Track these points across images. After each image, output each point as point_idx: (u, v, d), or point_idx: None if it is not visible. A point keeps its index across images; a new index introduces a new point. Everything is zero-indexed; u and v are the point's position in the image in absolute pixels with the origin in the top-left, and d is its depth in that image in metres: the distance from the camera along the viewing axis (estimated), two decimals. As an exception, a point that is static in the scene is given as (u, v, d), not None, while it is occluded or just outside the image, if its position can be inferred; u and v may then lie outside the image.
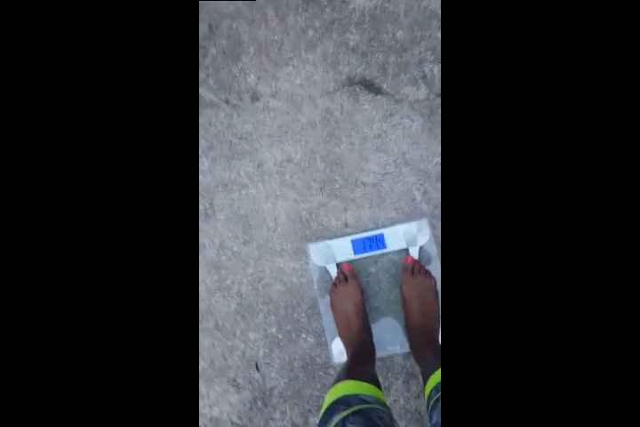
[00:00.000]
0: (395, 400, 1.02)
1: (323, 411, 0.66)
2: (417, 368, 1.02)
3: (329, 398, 0.68)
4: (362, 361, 0.87)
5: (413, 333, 0.94)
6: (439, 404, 0.62)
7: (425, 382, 0.74)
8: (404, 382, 1.02)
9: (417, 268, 0.97)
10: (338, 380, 0.75)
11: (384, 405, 0.67)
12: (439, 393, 0.63)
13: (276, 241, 1.06)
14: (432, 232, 1.01)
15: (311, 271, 1.05)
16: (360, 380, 0.72)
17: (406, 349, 1.01)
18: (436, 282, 0.97)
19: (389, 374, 1.03)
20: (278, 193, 1.06)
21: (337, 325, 0.99)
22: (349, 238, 1.03)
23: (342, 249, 1.03)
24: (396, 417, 1.03)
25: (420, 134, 1.02)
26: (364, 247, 1.02)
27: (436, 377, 0.69)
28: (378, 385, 0.76)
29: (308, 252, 1.04)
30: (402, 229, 1.01)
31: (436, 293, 0.96)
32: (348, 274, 0.99)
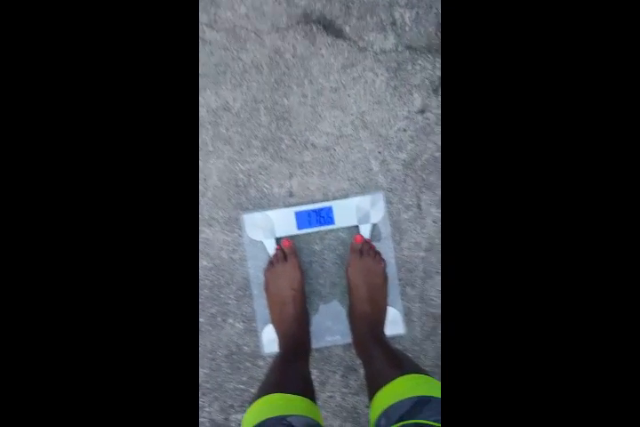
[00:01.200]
0: (330, 396, 0.88)
1: None
2: (358, 362, 0.88)
3: (249, 420, 0.52)
4: (294, 358, 0.71)
5: (357, 323, 0.80)
6: None
7: (370, 393, 0.60)
8: (342, 377, 0.88)
9: (366, 249, 0.82)
10: (263, 389, 0.59)
11: None
12: (390, 423, 0.49)
13: (204, 207, 0.86)
14: (387, 209, 0.86)
15: (245, 246, 0.86)
16: (290, 391, 0.56)
17: (347, 339, 0.87)
18: (386, 266, 0.83)
19: (326, 367, 0.89)
20: (210, 148, 0.85)
21: (270, 310, 0.83)
22: (293, 210, 0.85)
23: (283, 222, 0.85)
24: (330, 415, 0.90)
25: (384, 93, 0.85)
26: (310, 222, 0.86)
27: (384, 396, 0.55)
28: (311, 393, 0.61)
29: (242, 223, 0.86)
30: (354, 202, 0.85)
31: (385, 278, 0.82)
32: (288, 252, 0.82)
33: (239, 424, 0.89)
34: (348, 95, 0.85)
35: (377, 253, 0.83)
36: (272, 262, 0.83)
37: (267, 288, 0.83)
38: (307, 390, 0.61)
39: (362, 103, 0.85)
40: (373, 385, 0.59)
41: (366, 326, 0.77)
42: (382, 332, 0.78)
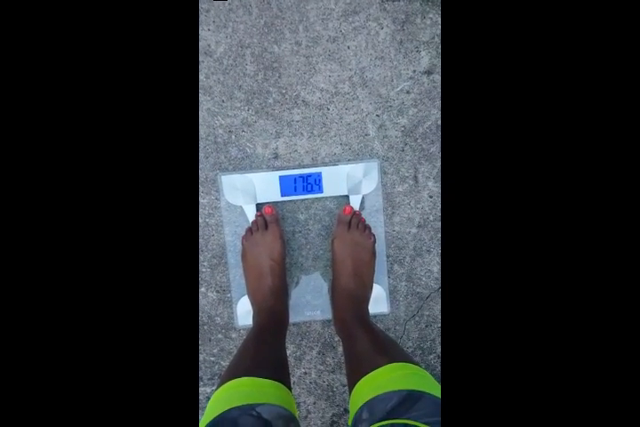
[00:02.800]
0: (305, 373, 0.82)
1: None
2: (336, 339, 0.81)
3: (213, 408, 0.44)
4: (270, 335, 0.64)
5: (339, 298, 0.72)
6: None
7: (351, 378, 0.53)
8: (318, 354, 0.82)
9: (355, 221, 0.74)
10: (232, 371, 0.52)
11: (290, 419, 0.44)
12: (373, 419, 0.41)
13: (178, 167, 0.76)
14: (381, 179, 0.77)
15: (222, 211, 0.77)
16: (262, 375, 0.49)
17: (327, 315, 0.80)
18: (375, 241, 0.74)
19: (303, 343, 0.82)
20: (187, 100, 0.74)
21: (246, 281, 0.75)
22: (277, 174, 0.75)
23: (267, 187, 0.75)
24: (304, 392, 0.83)
25: (388, 47, 0.73)
26: (295, 188, 0.76)
27: (367, 385, 0.48)
28: (285, 376, 0.54)
29: (220, 185, 0.75)
30: (345, 170, 0.76)
31: (374, 254, 0.74)
32: (270, 219, 0.73)
33: (207, 397, 0.83)
34: (348, 47, 0.73)
35: (367, 227, 0.75)
36: (251, 230, 0.74)
37: (244, 258, 0.74)
38: (280, 374, 0.54)
39: (362, 57, 0.73)
40: (354, 370, 0.52)
41: (349, 303, 0.69)
42: (367, 311, 0.71)
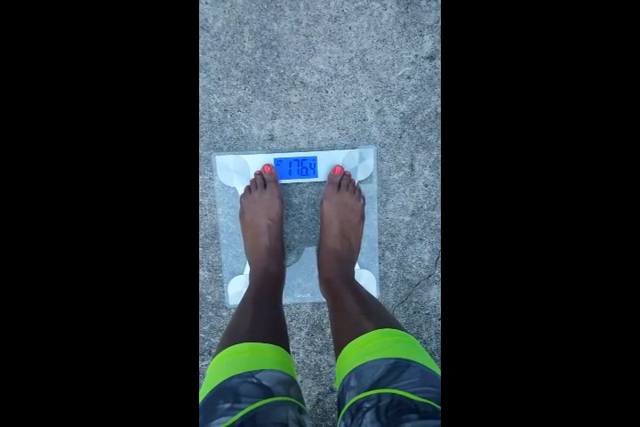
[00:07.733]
0: (294, 352, 0.79)
1: (200, 404, 0.40)
2: (325, 321, 0.78)
3: (212, 378, 0.42)
4: (266, 294, 0.61)
5: (325, 260, 0.68)
6: (354, 414, 0.37)
7: (337, 343, 0.51)
8: (307, 335, 0.79)
9: (345, 182, 0.69)
10: (232, 334, 0.50)
11: (289, 383, 0.43)
12: (360, 388, 0.39)
13: (173, 145, 0.71)
14: (377, 166, 0.72)
15: (216, 191, 0.72)
16: (260, 338, 0.48)
17: (317, 298, 0.76)
18: (364, 203, 0.70)
19: (293, 323, 0.78)
20: (183, 77, 0.68)
21: (243, 240, 0.70)
22: (272, 156, 0.70)
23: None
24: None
25: (390, 30, 0.67)
26: (290, 171, 0.71)
27: (354, 351, 0.45)
28: (283, 337, 0.53)
29: (214, 165, 0.71)
30: (341, 155, 0.71)
31: (363, 217, 0.70)
32: (269, 178, 0.69)
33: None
34: (349, 28, 0.67)
35: (357, 189, 0.70)
36: (250, 189, 0.69)
37: (242, 216, 0.70)
38: (279, 337, 0.52)
39: (364, 39, 0.67)
40: (341, 332, 0.51)
41: (335, 264, 0.66)
42: (353, 273, 0.67)
